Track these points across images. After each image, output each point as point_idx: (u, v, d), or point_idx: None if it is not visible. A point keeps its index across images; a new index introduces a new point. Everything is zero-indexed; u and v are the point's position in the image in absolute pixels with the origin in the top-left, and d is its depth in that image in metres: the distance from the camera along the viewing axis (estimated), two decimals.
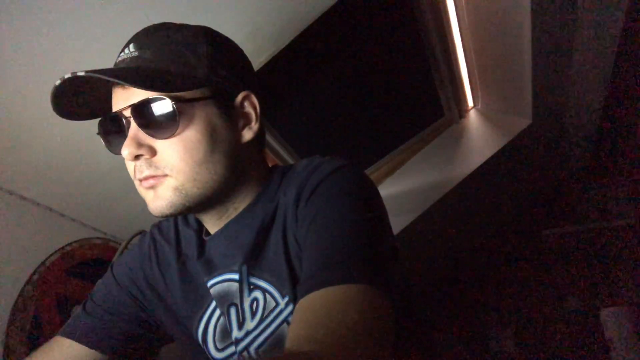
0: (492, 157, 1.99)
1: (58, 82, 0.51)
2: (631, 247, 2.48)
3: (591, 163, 2.59)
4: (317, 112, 1.87)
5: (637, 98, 2.23)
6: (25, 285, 1.03)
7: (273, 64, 1.09)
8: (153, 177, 0.54)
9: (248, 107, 0.60)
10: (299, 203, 0.56)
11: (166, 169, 0.53)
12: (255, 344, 0.54)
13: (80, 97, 0.56)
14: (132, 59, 0.53)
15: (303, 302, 0.43)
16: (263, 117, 0.62)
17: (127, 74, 0.49)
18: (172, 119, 0.51)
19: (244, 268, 0.57)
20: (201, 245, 0.65)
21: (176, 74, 0.52)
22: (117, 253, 1.05)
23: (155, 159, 0.53)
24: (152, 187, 0.55)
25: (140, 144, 0.52)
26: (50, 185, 1.11)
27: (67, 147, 1.07)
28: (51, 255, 1.10)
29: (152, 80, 0.50)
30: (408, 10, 1.57)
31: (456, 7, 1.64)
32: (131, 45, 0.54)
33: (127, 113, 0.52)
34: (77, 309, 0.96)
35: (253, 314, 0.55)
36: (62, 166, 1.10)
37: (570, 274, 2.55)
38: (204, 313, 0.61)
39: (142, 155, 0.53)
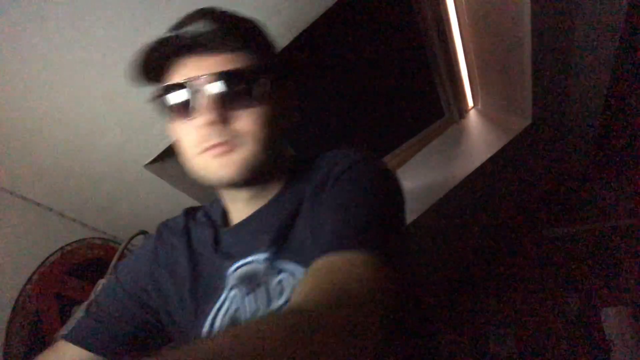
0: (492, 157, 1.99)
1: (162, 37, 0.55)
2: (631, 247, 2.48)
3: (591, 163, 2.59)
4: (317, 111, 1.87)
5: (637, 98, 2.22)
6: (25, 285, 1.03)
7: None
8: (224, 144, 0.55)
9: (293, 95, 0.66)
10: (324, 187, 0.58)
11: (240, 138, 0.55)
12: None
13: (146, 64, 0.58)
14: (213, 31, 0.55)
15: (313, 265, 0.46)
16: None
17: (237, 40, 0.54)
18: (256, 91, 0.55)
19: (271, 250, 0.58)
20: (219, 234, 0.66)
21: (265, 52, 0.57)
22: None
23: (232, 127, 0.55)
24: (221, 155, 0.55)
25: (218, 111, 0.54)
26: (51, 185, 1.11)
27: (68, 147, 1.07)
28: (51, 255, 1.10)
29: (257, 48, 0.55)
30: (408, 10, 1.57)
31: (456, 7, 1.64)
32: (206, 20, 0.56)
33: (202, 81, 0.54)
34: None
35: (280, 294, 0.56)
36: (62, 166, 1.10)
37: (570, 274, 2.55)
38: (214, 305, 0.61)
39: (216, 122, 0.54)
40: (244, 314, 0.57)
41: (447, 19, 1.66)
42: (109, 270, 1.00)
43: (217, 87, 0.54)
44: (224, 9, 0.57)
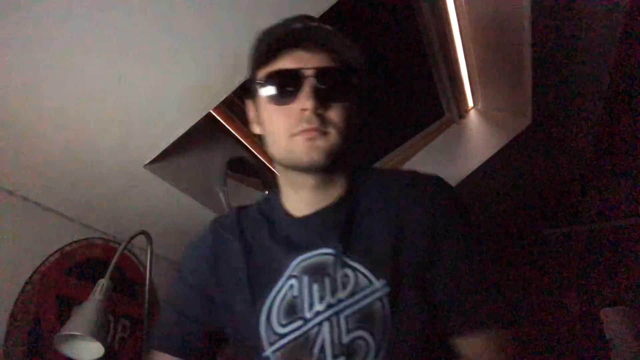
0: (492, 157, 1.99)
1: (298, 24, 0.64)
2: (631, 247, 2.48)
3: (591, 163, 2.59)
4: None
5: (637, 98, 2.22)
6: (25, 285, 1.03)
7: None
8: (316, 130, 0.62)
9: (366, 105, 0.75)
10: (430, 215, 0.65)
11: (331, 126, 0.63)
12: (346, 313, 0.60)
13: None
14: (326, 33, 0.64)
15: (475, 340, 0.61)
16: None
17: (342, 42, 0.64)
18: (347, 89, 0.65)
19: (337, 245, 0.64)
20: (281, 224, 0.71)
21: (357, 57, 0.66)
22: (117, 253, 1.05)
23: (324, 115, 0.63)
24: (311, 139, 0.62)
25: (319, 100, 0.62)
26: (51, 185, 1.11)
27: (68, 147, 1.07)
28: (51, 255, 1.10)
29: (353, 53, 0.65)
30: (408, 10, 1.57)
31: (456, 7, 1.64)
32: (317, 23, 0.65)
33: (309, 72, 0.62)
34: (78, 309, 0.96)
35: (344, 285, 0.62)
36: (62, 167, 1.10)
37: (571, 274, 2.55)
38: (270, 292, 0.65)
39: (314, 109, 0.62)
40: (307, 301, 0.63)
41: (447, 19, 1.66)
42: (109, 271, 1.00)
43: (321, 79, 0.62)
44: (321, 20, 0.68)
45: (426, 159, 2.05)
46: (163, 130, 1.15)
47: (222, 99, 1.15)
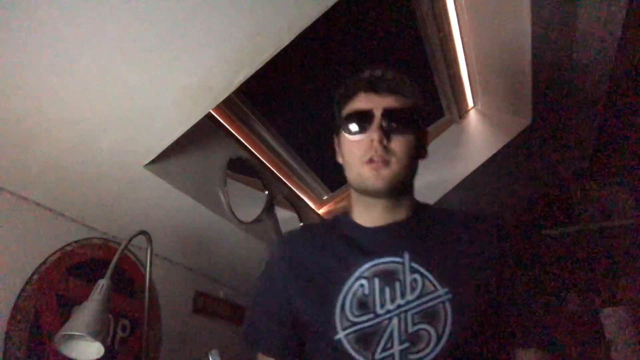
0: (492, 157, 1.99)
1: (368, 74, 0.83)
2: (631, 247, 2.48)
3: (591, 163, 2.59)
4: (317, 111, 1.87)
5: (637, 98, 2.22)
6: (25, 285, 1.03)
7: (273, 64, 1.10)
8: (383, 160, 0.76)
9: (426, 140, 0.89)
10: (499, 244, 0.79)
11: (393, 157, 0.76)
12: (413, 312, 0.72)
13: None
14: (391, 81, 0.82)
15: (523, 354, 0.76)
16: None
17: (407, 88, 0.82)
18: (409, 125, 0.79)
19: (407, 254, 0.76)
20: (354, 233, 0.83)
21: (419, 101, 0.83)
22: (117, 253, 1.05)
23: (390, 146, 0.77)
24: (377, 168, 0.76)
25: (384, 134, 0.76)
26: (51, 185, 1.11)
27: (68, 147, 1.07)
28: (51, 255, 1.10)
29: (415, 98, 0.82)
30: (408, 10, 1.57)
31: (456, 7, 1.64)
32: (389, 72, 0.83)
33: (378, 112, 0.78)
34: (78, 309, 0.96)
35: (413, 289, 0.73)
36: (62, 166, 1.10)
37: (570, 274, 2.55)
38: (342, 288, 0.77)
39: (381, 141, 0.76)
40: (378, 300, 0.74)
41: (447, 19, 1.66)
42: (109, 271, 1.00)
43: (387, 118, 0.77)
44: (394, 69, 0.86)
45: (426, 159, 2.05)
46: (163, 130, 1.15)
47: (222, 99, 1.15)
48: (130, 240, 1.09)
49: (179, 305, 1.46)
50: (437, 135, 2.12)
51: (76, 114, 1.02)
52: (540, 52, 1.59)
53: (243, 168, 1.63)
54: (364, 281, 0.76)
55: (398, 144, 0.77)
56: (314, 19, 1.03)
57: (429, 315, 0.71)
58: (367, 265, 0.77)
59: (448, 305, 0.71)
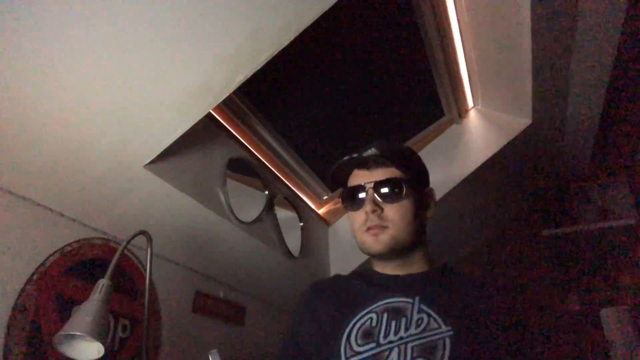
0: (492, 157, 1.99)
1: (355, 155, 0.92)
2: (631, 247, 2.48)
3: (591, 163, 2.59)
4: (317, 111, 1.87)
5: (637, 98, 2.23)
6: (25, 285, 1.03)
7: (273, 64, 1.10)
8: (378, 227, 0.85)
9: (430, 197, 0.97)
10: (492, 302, 0.85)
11: (389, 222, 0.86)
12: (413, 344, 0.76)
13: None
14: (377, 154, 0.90)
15: None
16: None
17: (394, 160, 0.89)
18: (399, 192, 0.87)
19: (417, 298, 0.83)
20: (374, 277, 0.92)
21: (406, 167, 0.90)
22: (117, 253, 1.05)
23: (383, 214, 0.86)
24: (375, 234, 0.86)
25: (376, 204, 0.86)
26: (51, 185, 1.11)
27: (68, 147, 1.07)
28: (51, 255, 1.10)
29: (405, 167, 0.89)
30: (408, 10, 1.57)
31: (456, 6, 1.64)
32: (373, 149, 0.90)
33: (369, 185, 0.88)
34: (78, 309, 0.96)
35: (417, 326, 0.78)
36: (62, 166, 1.10)
37: (570, 274, 2.55)
38: (352, 321, 0.84)
39: (376, 211, 0.86)
40: (383, 331, 0.79)
41: (447, 19, 1.66)
42: (109, 271, 1.01)
43: (378, 189, 0.87)
44: (389, 142, 0.96)
45: (426, 159, 2.04)
46: (163, 130, 1.15)
47: (222, 99, 1.15)
48: (130, 240, 1.09)
49: (179, 305, 1.46)
50: (437, 135, 2.12)
51: (76, 113, 1.02)
52: (540, 52, 1.59)
53: (243, 168, 1.63)
54: (373, 315, 0.83)
55: (392, 210, 0.86)
56: (314, 19, 1.03)
57: (428, 349, 0.75)
58: (380, 302, 0.84)
59: (448, 341, 0.75)
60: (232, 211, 1.48)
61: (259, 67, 1.09)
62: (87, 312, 0.92)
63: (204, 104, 1.13)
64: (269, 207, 1.71)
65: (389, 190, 0.87)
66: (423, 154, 2.05)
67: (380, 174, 0.89)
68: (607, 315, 2.01)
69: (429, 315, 0.79)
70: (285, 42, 1.05)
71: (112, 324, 1.21)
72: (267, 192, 1.69)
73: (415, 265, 0.92)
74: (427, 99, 1.97)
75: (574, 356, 2.29)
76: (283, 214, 1.80)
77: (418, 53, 1.73)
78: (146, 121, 1.11)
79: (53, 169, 1.09)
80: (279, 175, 1.88)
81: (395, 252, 0.87)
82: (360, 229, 0.88)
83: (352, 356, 0.78)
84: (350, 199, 0.91)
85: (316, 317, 0.91)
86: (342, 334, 0.82)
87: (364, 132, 1.99)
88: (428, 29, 1.63)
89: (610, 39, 1.63)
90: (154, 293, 1.36)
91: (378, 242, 0.85)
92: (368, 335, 0.80)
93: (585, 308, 2.44)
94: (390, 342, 0.77)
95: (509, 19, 1.52)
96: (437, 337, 0.76)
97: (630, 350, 1.88)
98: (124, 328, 1.26)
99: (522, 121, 1.98)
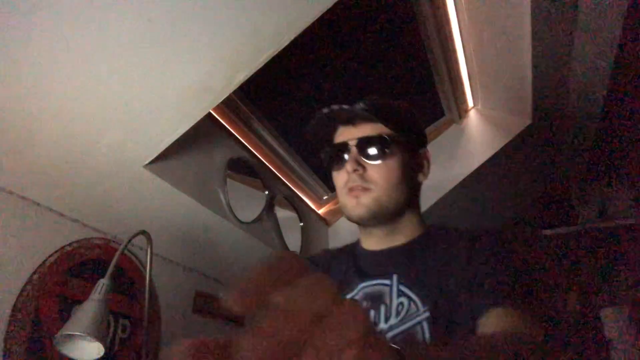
0: (492, 157, 1.99)
1: (335, 108, 0.80)
2: (631, 247, 2.48)
3: (591, 163, 2.59)
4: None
5: (637, 98, 2.22)
6: (25, 285, 1.03)
7: (273, 64, 1.10)
8: (360, 188, 0.77)
9: (424, 159, 0.88)
10: (471, 255, 0.75)
11: (371, 184, 0.77)
12: (391, 334, 0.71)
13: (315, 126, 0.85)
14: (363, 107, 0.80)
15: (493, 313, 0.65)
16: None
17: (379, 115, 0.78)
18: (383, 150, 0.78)
19: (395, 277, 0.76)
20: (357, 256, 0.85)
21: (394, 123, 0.80)
22: (117, 253, 1.05)
23: (366, 175, 0.78)
24: (356, 196, 0.77)
25: (358, 163, 0.78)
26: (51, 185, 1.11)
27: (68, 147, 1.07)
28: (51, 255, 1.10)
29: (386, 121, 0.78)
30: (408, 10, 1.57)
31: (456, 7, 1.64)
32: (362, 103, 0.81)
33: (353, 142, 0.79)
34: (78, 309, 0.96)
35: (398, 314, 0.72)
36: (62, 166, 1.10)
37: (570, 274, 2.55)
38: None
39: (357, 170, 0.77)
40: None
41: (447, 19, 1.66)
42: (109, 271, 1.01)
43: (361, 147, 0.79)
44: (381, 97, 0.87)
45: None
46: (163, 130, 1.15)
47: (222, 99, 1.15)
48: (130, 240, 1.10)
49: (179, 305, 1.46)
50: (437, 135, 2.12)
51: (76, 114, 1.02)
52: (540, 52, 1.59)
53: (243, 168, 1.62)
54: None
55: (376, 170, 0.78)
56: (314, 19, 1.03)
57: (408, 337, 0.70)
58: (359, 287, 0.78)
59: (425, 325, 0.70)
60: (232, 211, 1.48)
61: (259, 67, 1.09)
62: (87, 312, 0.92)
63: (204, 104, 1.13)
64: (269, 207, 1.71)
65: (373, 147, 0.79)
66: None
67: (367, 129, 0.80)
68: (607, 315, 2.01)
69: (409, 298, 0.73)
70: (285, 42, 1.05)
71: (112, 324, 1.21)
72: (267, 192, 1.69)
73: (402, 234, 0.83)
74: (427, 99, 1.97)
75: (574, 356, 2.29)
76: (283, 214, 1.80)
77: (418, 53, 1.73)
78: (146, 121, 1.11)
79: (53, 169, 1.09)
80: (279, 175, 1.88)
81: (379, 217, 0.78)
82: (342, 191, 0.80)
83: None
84: (333, 158, 0.83)
85: None
86: None
87: None
88: (428, 29, 1.63)
89: (611, 39, 1.63)
90: (154, 293, 1.36)
91: (359, 205, 0.77)
92: None
93: (585, 308, 2.44)
94: None
95: (509, 19, 1.52)
96: (415, 322, 0.71)
97: (629, 350, 1.88)
98: (124, 328, 1.26)
99: (522, 121, 1.98)
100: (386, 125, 0.79)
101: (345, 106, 0.81)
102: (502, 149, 1.99)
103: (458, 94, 1.98)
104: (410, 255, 0.79)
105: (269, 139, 1.75)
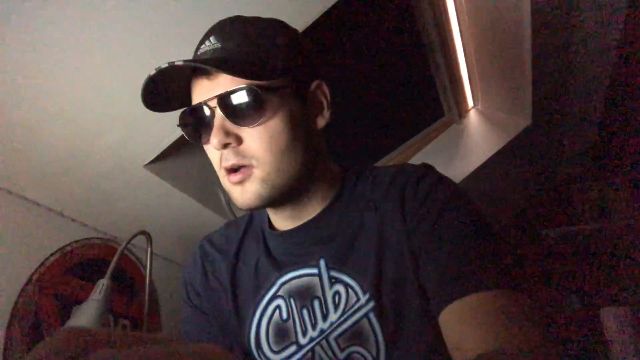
0: (492, 157, 1.99)
1: (154, 71, 0.53)
2: (631, 247, 2.48)
3: (591, 163, 2.59)
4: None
5: (637, 98, 2.22)
6: (25, 285, 1.03)
7: None
8: (241, 167, 0.55)
9: (320, 96, 0.62)
10: (404, 208, 0.57)
11: (252, 159, 0.54)
12: (335, 334, 0.56)
13: (162, 89, 0.59)
14: (215, 50, 0.55)
15: (458, 305, 0.47)
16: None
17: (220, 63, 0.51)
18: (258, 108, 0.52)
19: (322, 262, 0.58)
20: (266, 238, 0.66)
21: (260, 64, 0.53)
22: (117, 253, 1.05)
23: (242, 147, 0.54)
24: (239, 183, 0.56)
25: (228, 133, 0.53)
26: (50, 185, 1.11)
27: (67, 147, 1.07)
28: (51, 255, 1.10)
29: (243, 68, 0.51)
30: (408, 10, 1.57)
31: (456, 7, 1.64)
32: (212, 38, 0.56)
33: (213, 103, 0.53)
34: (77, 309, 0.96)
35: (336, 307, 0.56)
36: (62, 166, 1.10)
37: (570, 274, 2.55)
38: (255, 313, 0.61)
39: (229, 143, 0.54)
40: (299, 327, 0.58)
41: (447, 20, 1.66)
42: (109, 271, 1.00)
43: (225, 107, 0.53)
44: (234, 20, 0.60)
45: (426, 159, 2.05)
46: (163, 130, 1.15)
47: None
48: (130, 240, 1.10)
49: (179, 305, 1.46)
50: (437, 135, 2.12)
51: (76, 113, 1.02)
52: (541, 52, 1.58)
53: None
54: (280, 301, 0.59)
55: (254, 138, 0.54)
56: (313, 19, 1.03)
57: (354, 335, 0.55)
58: (280, 280, 0.61)
59: (373, 318, 0.54)
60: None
61: None
62: (87, 312, 0.92)
63: None
64: None
65: (239, 106, 0.52)
66: (423, 154, 2.07)
67: (222, 82, 0.54)
68: (607, 315, 2.01)
69: (345, 285, 0.56)
70: None
71: (112, 324, 1.21)
72: None
73: (313, 203, 0.62)
74: (427, 99, 1.97)
75: (574, 356, 2.28)
76: None
77: (418, 53, 1.73)
78: (146, 121, 1.11)
79: (53, 169, 1.09)
80: None
81: (276, 200, 0.57)
82: (219, 173, 0.59)
83: None
84: (193, 128, 0.57)
85: (208, 300, 0.66)
86: (249, 337, 0.60)
87: (364, 131, 1.99)
88: (428, 29, 1.63)
89: (611, 38, 1.63)
90: (154, 293, 1.36)
91: (245, 192, 0.56)
92: (283, 333, 0.58)
93: (585, 308, 2.44)
94: (312, 339, 0.56)
95: (509, 19, 1.52)
96: (359, 316, 0.54)
97: (629, 350, 1.88)
98: (124, 328, 1.26)
99: (522, 121, 1.98)
100: (251, 73, 0.52)
101: (205, 45, 0.56)
102: (502, 149, 1.99)
103: (458, 94, 1.98)
104: (333, 226, 0.60)
105: None
